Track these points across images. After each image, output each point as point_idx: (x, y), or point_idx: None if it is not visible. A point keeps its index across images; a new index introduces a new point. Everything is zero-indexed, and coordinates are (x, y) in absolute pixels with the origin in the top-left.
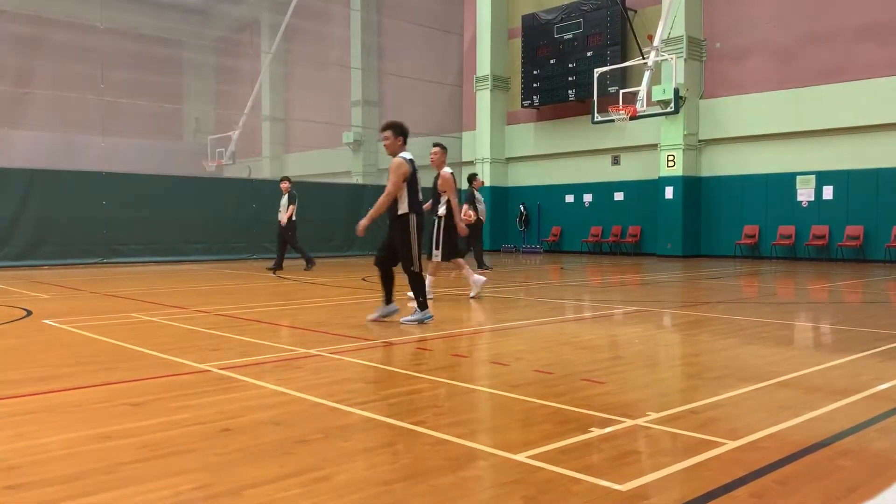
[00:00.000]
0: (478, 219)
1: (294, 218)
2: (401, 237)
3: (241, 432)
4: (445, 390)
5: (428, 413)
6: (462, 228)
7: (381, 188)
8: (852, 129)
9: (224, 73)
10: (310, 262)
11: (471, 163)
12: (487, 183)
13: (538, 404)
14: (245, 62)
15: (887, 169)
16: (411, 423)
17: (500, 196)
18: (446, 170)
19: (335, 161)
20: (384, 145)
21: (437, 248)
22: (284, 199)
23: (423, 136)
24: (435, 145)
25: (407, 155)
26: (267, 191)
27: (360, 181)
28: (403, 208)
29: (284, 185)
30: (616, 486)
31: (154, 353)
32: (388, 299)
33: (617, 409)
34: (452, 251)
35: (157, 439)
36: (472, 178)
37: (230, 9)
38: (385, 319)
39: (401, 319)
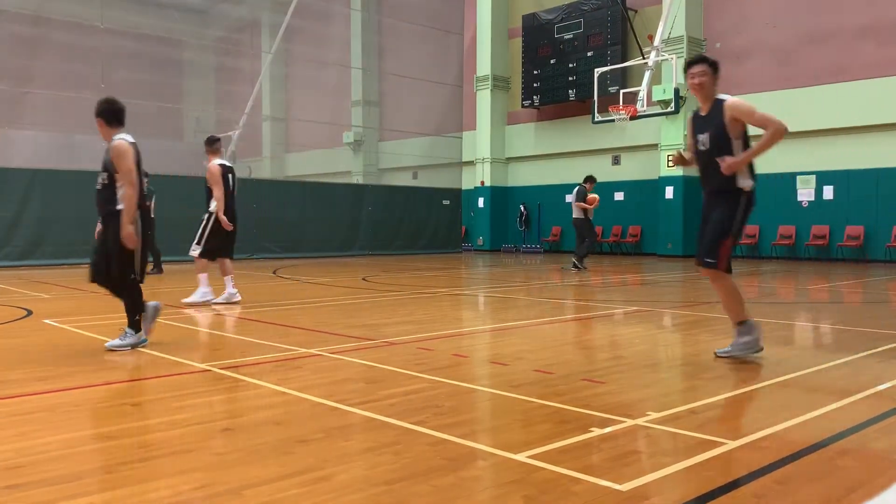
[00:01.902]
0: (587, 217)
1: (153, 216)
2: (117, 238)
3: (241, 432)
4: (445, 390)
5: (428, 413)
6: (226, 224)
7: (382, 188)
8: (852, 129)
9: (224, 73)
10: (157, 268)
11: (471, 163)
12: (488, 183)
13: (538, 404)
14: (245, 62)
15: (887, 169)
16: (411, 423)
17: (501, 196)
18: (214, 163)
19: (335, 161)
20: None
21: (197, 243)
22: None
23: (424, 136)
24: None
25: (129, 137)
26: (267, 190)
27: (361, 181)
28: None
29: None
30: (616, 486)
31: (154, 352)
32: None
33: (617, 409)
34: (219, 249)
35: (157, 439)
36: (588, 178)
37: (230, 9)
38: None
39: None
